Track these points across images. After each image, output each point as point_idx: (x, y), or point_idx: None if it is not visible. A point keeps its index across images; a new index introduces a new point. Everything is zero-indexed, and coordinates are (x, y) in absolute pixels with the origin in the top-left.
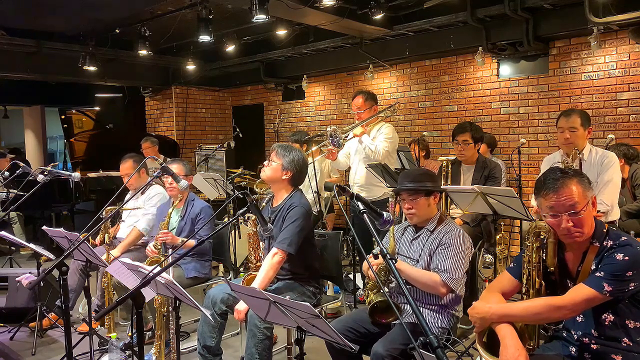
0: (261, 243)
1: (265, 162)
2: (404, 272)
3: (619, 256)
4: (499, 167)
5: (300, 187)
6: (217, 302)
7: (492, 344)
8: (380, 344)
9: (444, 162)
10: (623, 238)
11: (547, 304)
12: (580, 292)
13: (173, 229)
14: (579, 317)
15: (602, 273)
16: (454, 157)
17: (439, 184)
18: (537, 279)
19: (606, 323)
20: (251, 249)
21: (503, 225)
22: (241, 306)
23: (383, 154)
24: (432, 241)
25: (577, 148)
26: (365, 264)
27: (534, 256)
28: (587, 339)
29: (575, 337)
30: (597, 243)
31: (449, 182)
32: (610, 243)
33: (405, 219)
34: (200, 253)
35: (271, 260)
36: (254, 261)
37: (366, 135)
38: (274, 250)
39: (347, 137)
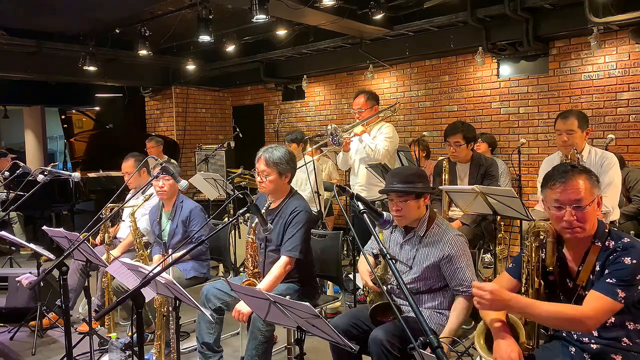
0: None
1: (257, 178)
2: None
3: (627, 260)
4: (495, 164)
5: (294, 186)
6: (210, 298)
7: (492, 344)
8: (381, 329)
9: (444, 161)
10: (625, 239)
11: (573, 317)
12: (601, 305)
13: (163, 230)
14: None
15: (614, 280)
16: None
17: (429, 184)
18: (536, 279)
19: (606, 323)
20: (249, 255)
21: (503, 225)
22: (244, 308)
23: (383, 153)
24: (428, 250)
25: (576, 149)
26: (361, 267)
27: (533, 256)
28: (586, 339)
29: (575, 337)
30: (599, 243)
31: (446, 182)
32: (612, 244)
33: None
34: (196, 254)
35: (283, 268)
36: (251, 267)
37: (366, 134)
38: (285, 258)
39: (348, 135)
